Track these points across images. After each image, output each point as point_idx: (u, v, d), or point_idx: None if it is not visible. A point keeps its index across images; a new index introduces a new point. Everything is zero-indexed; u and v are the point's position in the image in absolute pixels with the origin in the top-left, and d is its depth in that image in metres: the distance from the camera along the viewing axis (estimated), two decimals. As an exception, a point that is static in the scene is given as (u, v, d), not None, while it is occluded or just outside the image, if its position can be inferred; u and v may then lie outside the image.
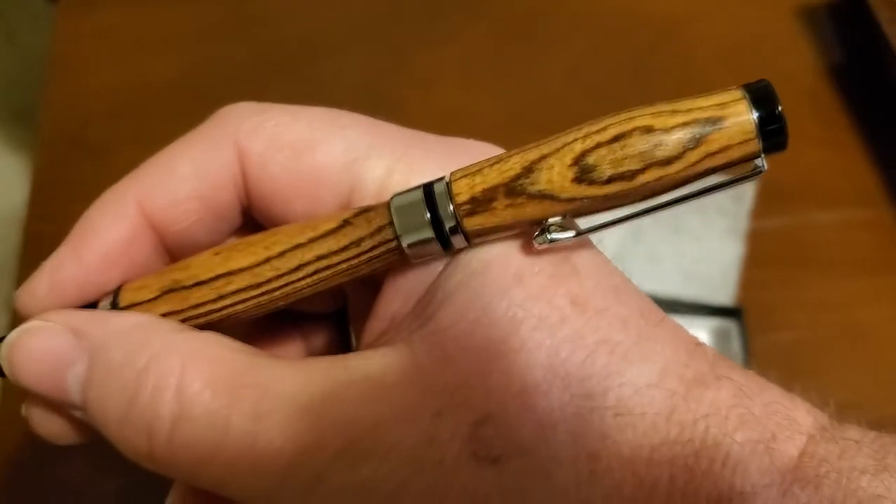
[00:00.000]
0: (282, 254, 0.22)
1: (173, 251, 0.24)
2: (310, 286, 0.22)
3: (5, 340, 0.22)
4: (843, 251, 0.47)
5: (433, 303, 0.21)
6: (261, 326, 0.27)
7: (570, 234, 0.20)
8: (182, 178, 0.24)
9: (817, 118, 0.52)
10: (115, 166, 0.51)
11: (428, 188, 0.21)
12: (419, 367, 0.20)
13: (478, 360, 0.19)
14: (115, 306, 0.23)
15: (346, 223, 0.21)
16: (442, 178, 0.21)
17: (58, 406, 0.23)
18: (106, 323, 0.22)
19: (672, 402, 0.19)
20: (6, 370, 0.22)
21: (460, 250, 0.21)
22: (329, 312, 0.28)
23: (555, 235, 0.20)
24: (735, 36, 0.55)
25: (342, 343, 0.28)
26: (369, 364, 0.20)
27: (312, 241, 0.22)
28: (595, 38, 0.55)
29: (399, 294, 0.22)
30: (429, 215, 0.20)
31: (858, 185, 0.49)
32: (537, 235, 0.20)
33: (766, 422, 0.19)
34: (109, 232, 0.24)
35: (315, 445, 0.19)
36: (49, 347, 0.22)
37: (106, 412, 0.21)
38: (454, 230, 0.20)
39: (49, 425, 0.24)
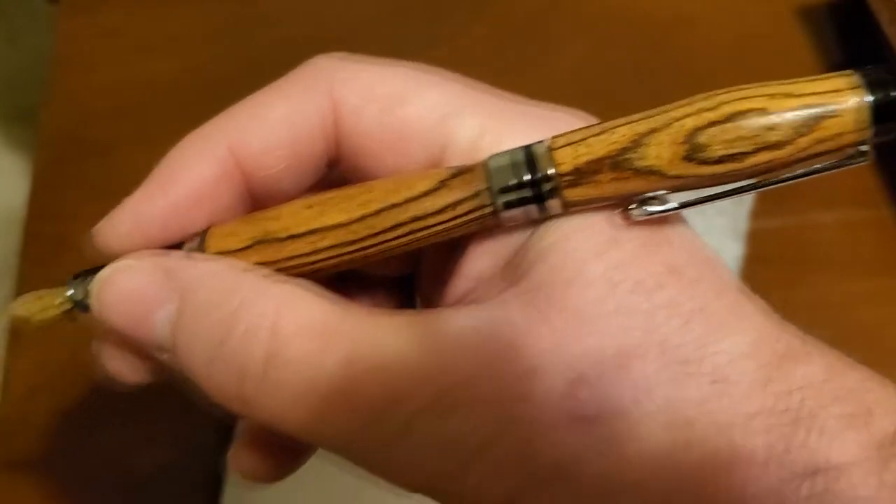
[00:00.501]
0: (377, 212, 0.21)
1: (256, 198, 0.24)
2: (402, 245, 0.22)
3: (97, 277, 0.22)
4: (843, 251, 0.47)
5: (524, 262, 0.21)
6: (325, 284, 0.27)
7: (668, 206, 0.20)
8: (275, 124, 0.23)
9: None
10: (117, 166, 0.51)
11: (528, 151, 0.21)
12: (513, 325, 0.19)
13: (573, 320, 0.19)
14: (201, 247, 0.23)
15: (442, 184, 0.21)
16: (542, 142, 0.21)
17: (136, 347, 0.22)
18: (197, 264, 0.22)
19: (766, 372, 0.19)
20: (94, 307, 0.22)
21: (554, 216, 0.21)
22: (395, 276, 0.28)
23: (652, 208, 0.20)
24: (735, 36, 0.55)
25: (406, 306, 0.28)
26: (461, 319, 0.20)
27: (409, 201, 0.21)
28: (596, 39, 0.55)
29: (486, 254, 0.22)
30: (528, 178, 0.20)
31: (858, 185, 0.49)
32: (634, 207, 0.20)
33: (861, 397, 0.19)
34: (198, 170, 0.23)
35: (406, 394, 0.19)
36: (140, 286, 0.22)
37: (195, 352, 0.21)
38: (552, 195, 0.20)
39: (120, 364, 0.24)
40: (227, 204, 0.24)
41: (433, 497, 0.21)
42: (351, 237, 0.22)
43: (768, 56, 0.54)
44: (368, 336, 0.20)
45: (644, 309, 0.19)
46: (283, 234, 0.22)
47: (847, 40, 0.54)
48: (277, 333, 0.20)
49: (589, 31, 0.55)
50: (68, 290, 0.24)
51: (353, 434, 0.20)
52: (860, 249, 0.47)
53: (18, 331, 0.25)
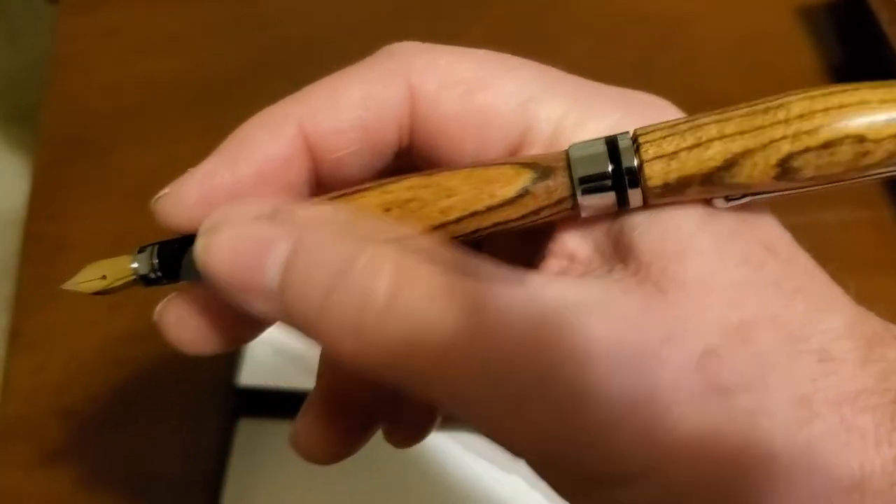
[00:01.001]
0: (458, 220, 0.21)
1: (320, 182, 0.24)
2: (479, 239, 0.22)
3: (203, 227, 0.21)
4: (844, 251, 0.47)
5: (623, 237, 0.20)
6: None
7: (750, 197, 0.20)
8: (348, 105, 0.23)
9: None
10: (117, 166, 0.51)
11: (614, 155, 0.20)
12: (632, 295, 0.19)
13: (693, 292, 0.19)
14: None
15: (525, 192, 0.21)
16: (627, 136, 0.20)
17: (239, 300, 0.21)
18: (310, 207, 0.21)
19: (862, 353, 0.19)
20: (199, 258, 0.21)
21: (634, 209, 0.20)
22: None
23: (732, 199, 0.20)
24: (736, 36, 0.55)
25: None
26: (580, 289, 0.20)
27: (490, 209, 0.21)
28: (597, 38, 0.55)
29: (577, 233, 0.21)
30: (613, 185, 0.20)
31: (858, 185, 0.49)
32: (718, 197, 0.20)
33: None
34: (268, 147, 0.23)
35: (533, 356, 0.19)
36: (251, 230, 0.21)
37: (309, 290, 0.20)
38: (635, 190, 0.20)
39: (187, 330, 0.23)
40: (292, 185, 0.23)
41: (546, 468, 0.20)
42: None
43: (768, 55, 0.54)
44: (499, 289, 0.19)
45: (754, 282, 0.19)
46: None
47: (847, 40, 0.54)
48: (401, 266, 0.19)
49: (589, 30, 0.55)
50: (132, 261, 0.24)
51: (478, 390, 0.19)
52: (860, 249, 0.47)
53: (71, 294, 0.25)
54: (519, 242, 0.24)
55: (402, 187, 0.21)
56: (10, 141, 1.13)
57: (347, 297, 0.19)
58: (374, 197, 0.22)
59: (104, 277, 0.24)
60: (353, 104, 0.23)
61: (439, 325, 0.19)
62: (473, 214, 0.21)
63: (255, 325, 0.25)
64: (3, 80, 1.19)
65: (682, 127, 0.20)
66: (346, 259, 0.19)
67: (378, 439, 0.41)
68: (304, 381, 0.43)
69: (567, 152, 0.21)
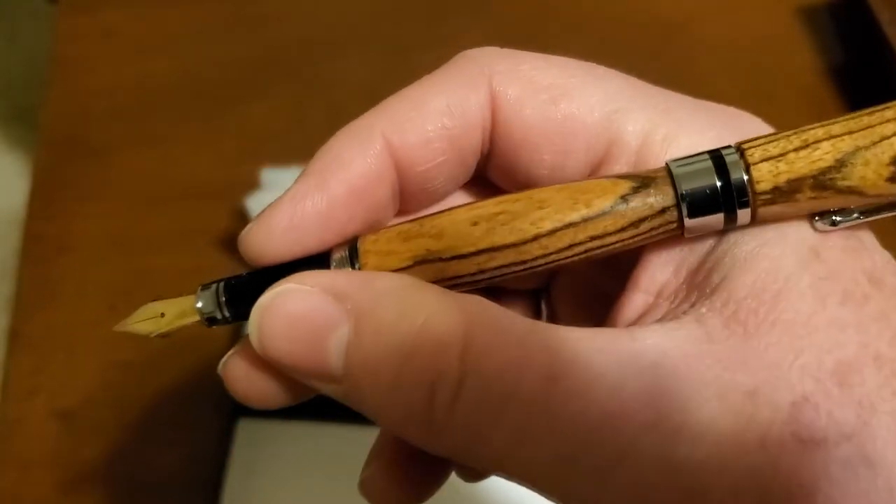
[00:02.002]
0: (552, 232, 0.20)
1: (407, 196, 0.23)
2: (575, 263, 0.20)
3: (257, 305, 0.20)
4: None
5: (716, 273, 0.19)
6: None
7: (852, 218, 0.19)
8: (433, 114, 0.22)
9: (817, 118, 0.52)
10: (116, 166, 0.51)
11: (719, 162, 0.19)
12: (719, 342, 0.18)
13: (786, 335, 0.18)
14: (352, 261, 0.21)
15: (623, 201, 0.20)
16: (731, 149, 0.19)
17: (301, 376, 0.21)
18: (370, 284, 0.20)
19: None
20: (255, 337, 0.20)
21: (740, 227, 0.20)
22: (527, 289, 0.26)
23: (839, 218, 0.19)
24: (736, 37, 0.55)
25: (530, 316, 0.26)
26: (660, 337, 0.19)
27: (587, 220, 0.20)
28: (596, 40, 0.55)
29: (667, 266, 0.21)
30: (720, 194, 0.19)
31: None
32: (819, 219, 0.19)
33: None
34: (356, 165, 0.22)
35: (620, 416, 0.18)
36: (309, 310, 0.20)
37: (375, 375, 0.19)
38: (743, 206, 0.19)
39: (255, 385, 0.22)
40: (381, 202, 0.22)
41: None
42: (522, 258, 0.20)
43: (769, 56, 0.54)
44: (566, 352, 0.18)
45: (855, 321, 0.18)
46: (448, 255, 0.20)
47: (847, 40, 0.54)
48: (469, 348, 0.18)
49: (589, 31, 0.55)
50: (197, 301, 0.22)
51: (562, 460, 0.18)
52: None
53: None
54: (596, 278, 0.23)
55: (491, 203, 0.21)
56: (10, 141, 1.13)
57: (413, 388, 0.18)
58: (462, 213, 0.21)
59: (162, 316, 0.22)
60: (438, 113, 0.22)
61: (513, 405, 0.18)
62: (568, 226, 0.20)
63: None
64: (3, 80, 1.19)
65: (786, 133, 0.19)
66: (410, 345, 0.19)
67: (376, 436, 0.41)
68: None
69: (667, 167, 0.20)
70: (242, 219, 0.46)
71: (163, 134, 0.53)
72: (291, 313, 0.20)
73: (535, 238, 0.20)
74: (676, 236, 0.20)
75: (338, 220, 0.21)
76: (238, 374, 0.22)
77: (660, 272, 0.21)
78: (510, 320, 0.19)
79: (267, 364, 0.21)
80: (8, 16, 1.23)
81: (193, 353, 0.44)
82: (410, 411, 0.19)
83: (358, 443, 0.41)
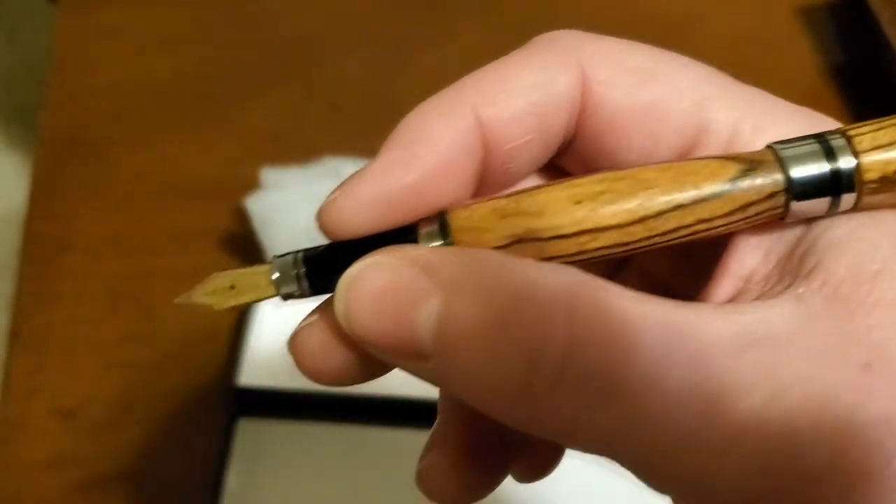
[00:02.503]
0: (659, 214, 0.19)
1: (486, 175, 0.22)
2: (673, 245, 0.20)
3: (344, 277, 0.19)
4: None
5: (811, 256, 0.19)
6: None
7: None
8: (523, 90, 0.21)
9: (818, 118, 0.52)
10: (116, 166, 0.51)
11: (826, 147, 0.19)
12: (824, 320, 0.18)
13: (887, 315, 0.18)
14: (443, 237, 0.20)
15: (732, 184, 0.19)
16: (836, 135, 0.19)
17: (386, 353, 0.20)
18: (459, 256, 0.19)
19: None
20: (341, 311, 0.19)
21: (840, 212, 0.19)
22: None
23: None
24: (736, 36, 0.55)
25: None
26: (765, 312, 0.18)
27: (696, 202, 0.19)
28: (596, 38, 0.55)
29: (757, 251, 0.20)
30: (829, 180, 0.19)
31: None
32: None
33: None
34: (447, 138, 0.20)
35: (742, 387, 0.17)
36: (398, 282, 0.19)
37: (469, 347, 0.18)
38: (848, 191, 0.19)
39: (330, 361, 0.20)
40: (467, 179, 0.21)
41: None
42: (626, 239, 0.19)
43: (769, 56, 0.54)
44: (681, 325, 0.18)
45: None
46: (548, 234, 0.19)
47: (848, 40, 0.54)
48: (577, 317, 0.17)
49: (589, 29, 0.55)
50: (272, 272, 0.20)
51: (677, 437, 0.17)
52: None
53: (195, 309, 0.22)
54: (679, 264, 0.23)
55: (593, 181, 0.20)
56: (9, 140, 1.13)
57: (512, 359, 0.17)
58: (561, 190, 0.20)
59: (232, 288, 0.21)
60: (528, 89, 0.21)
61: (622, 377, 0.17)
62: (677, 208, 0.19)
63: None
64: (2, 79, 1.19)
65: (890, 121, 0.19)
66: (508, 315, 0.17)
67: (380, 439, 0.41)
68: (304, 381, 0.43)
69: (773, 151, 0.19)
70: (242, 219, 0.46)
71: (163, 134, 0.53)
72: (380, 286, 0.19)
73: (642, 220, 0.19)
74: (771, 221, 0.20)
75: (427, 194, 0.20)
76: (310, 348, 0.21)
77: (749, 257, 0.20)
78: (617, 289, 0.18)
79: (344, 338, 0.20)
80: (7, 14, 1.23)
81: (194, 353, 0.44)
82: (510, 384, 0.18)
83: (358, 443, 0.41)
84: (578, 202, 0.19)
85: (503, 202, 0.20)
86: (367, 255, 0.19)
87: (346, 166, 0.47)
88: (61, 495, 0.41)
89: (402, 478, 0.40)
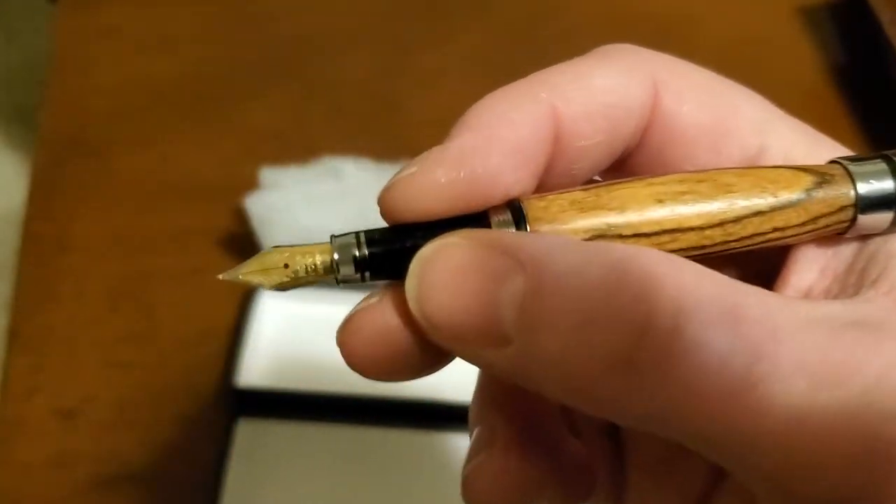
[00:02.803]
0: (738, 219, 0.19)
1: (552, 172, 0.21)
2: (744, 252, 0.20)
3: (418, 257, 0.18)
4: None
5: (872, 268, 0.19)
6: None
7: None
8: (599, 90, 0.20)
9: (817, 118, 0.51)
10: (116, 166, 0.51)
11: (890, 163, 0.19)
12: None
13: None
14: (518, 228, 0.19)
15: (808, 195, 0.19)
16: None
17: (406, 331, 0.19)
18: (539, 237, 0.18)
19: None
20: (414, 293, 0.18)
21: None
22: None
23: None
24: (736, 36, 0.55)
25: None
26: (848, 306, 0.18)
27: (773, 210, 0.19)
28: (597, 38, 0.54)
29: (815, 265, 0.20)
30: (894, 194, 0.19)
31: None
32: None
33: None
34: (526, 126, 0.20)
35: (849, 366, 0.16)
36: (478, 259, 0.18)
37: (559, 324, 0.17)
38: None
39: (389, 350, 0.19)
40: (537, 171, 0.20)
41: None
42: (704, 242, 0.19)
43: (769, 56, 0.54)
44: (778, 311, 0.17)
45: None
46: (629, 232, 0.19)
47: (848, 40, 0.54)
48: (680, 290, 0.16)
49: (589, 30, 0.55)
50: (333, 251, 0.19)
51: (787, 422, 0.16)
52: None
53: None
54: (742, 275, 0.23)
55: (673, 180, 0.19)
56: (9, 140, 1.13)
57: (610, 330, 0.16)
58: (642, 188, 0.19)
59: (286, 267, 0.19)
60: (604, 90, 0.21)
61: (723, 367, 0.16)
62: (756, 214, 0.19)
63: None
64: (2, 79, 1.18)
65: None
66: (601, 290, 0.16)
67: (378, 439, 0.41)
68: (302, 382, 0.43)
69: (842, 166, 0.20)
70: (242, 219, 0.46)
71: (163, 134, 0.52)
72: (458, 264, 0.18)
73: (721, 224, 0.19)
74: (828, 237, 0.20)
75: (504, 181, 0.19)
76: (366, 334, 0.19)
77: (808, 272, 0.21)
78: (709, 273, 0.17)
79: (407, 324, 0.19)
80: (7, 14, 1.23)
81: (194, 353, 0.44)
82: (608, 361, 0.16)
83: (357, 443, 0.41)
84: (660, 201, 0.19)
85: (581, 195, 0.19)
86: (439, 237, 0.18)
87: (346, 166, 0.47)
88: (61, 495, 0.41)
89: (401, 478, 0.40)
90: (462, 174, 0.19)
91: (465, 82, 0.54)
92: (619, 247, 0.17)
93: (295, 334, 0.44)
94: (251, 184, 0.47)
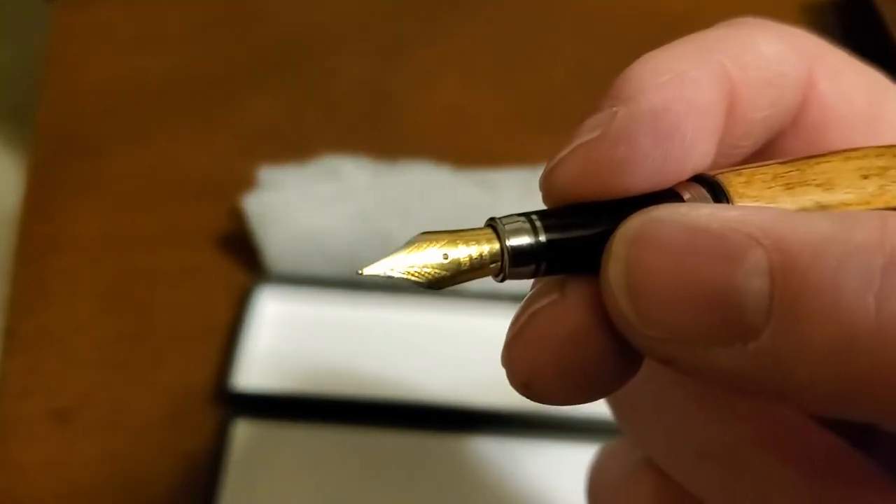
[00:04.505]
0: None
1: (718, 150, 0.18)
2: None
3: (620, 235, 0.15)
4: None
5: None
6: None
7: None
8: (770, 59, 0.18)
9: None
10: (111, 165, 0.51)
11: None
12: None
13: None
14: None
15: None
16: None
17: (601, 335, 0.15)
18: (764, 209, 0.15)
19: None
20: (622, 277, 0.15)
21: None
22: None
23: None
24: (738, 34, 0.55)
25: None
26: None
27: None
28: (598, 34, 0.54)
29: None
30: None
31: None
32: None
33: None
34: (710, 89, 0.17)
35: None
36: (704, 234, 0.14)
37: (836, 297, 0.13)
38: None
39: (568, 361, 0.16)
40: (715, 142, 0.17)
41: None
42: None
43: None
44: None
45: None
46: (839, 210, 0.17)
47: (851, 38, 0.54)
48: None
49: (589, 25, 0.55)
50: (508, 237, 0.16)
51: None
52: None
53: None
54: None
55: (871, 153, 0.17)
56: (4, 139, 1.13)
57: None
58: (840, 162, 0.17)
59: (445, 258, 0.16)
60: (774, 59, 0.18)
61: None
62: None
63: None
64: (-2, 78, 1.18)
65: None
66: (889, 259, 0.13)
67: (375, 441, 0.41)
68: (300, 383, 0.42)
69: None
70: (239, 218, 0.46)
71: (159, 132, 0.52)
72: (680, 240, 0.14)
73: None
74: None
75: (697, 151, 0.16)
76: (553, 343, 0.16)
77: None
78: None
79: (602, 327, 0.15)
80: (2, 13, 1.23)
81: (190, 353, 0.44)
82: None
83: (355, 445, 0.41)
84: (865, 176, 0.17)
85: (782, 169, 0.17)
86: (639, 213, 0.15)
87: (345, 166, 0.47)
88: (56, 496, 0.41)
89: (400, 480, 0.40)
90: (656, 141, 0.16)
91: (466, 78, 0.54)
92: (866, 212, 0.14)
93: (293, 335, 0.43)
94: (248, 182, 0.47)
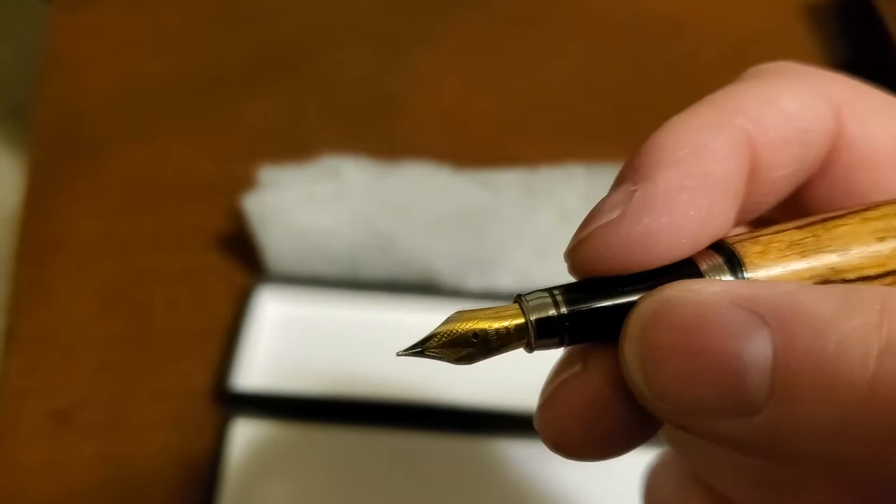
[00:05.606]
0: None
1: (740, 209, 0.19)
2: None
3: (636, 315, 0.16)
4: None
5: None
6: None
7: None
8: (792, 115, 0.18)
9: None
10: (111, 165, 0.51)
11: None
12: None
13: None
14: (734, 275, 0.17)
15: None
16: None
17: (620, 403, 0.17)
18: (774, 284, 0.16)
19: None
20: (636, 356, 0.16)
21: None
22: None
23: None
24: (740, 34, 0.54)
25: None
26: None
27: None
28: (598, 36, 0.54)
29: None
30: None
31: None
32: None
33: None
34: (729, 160, 0.17)
35: None
36: (712, 315, 0.15)
37: (827, 384, 0.14)
38: None
39: (591, 427, 0.17)
40: (736, 211, 0.18)
41: None
42: None
43: (773, 55, 0.54)
44: None
45: None
46: (854, 276, 0.17)
47: (852, 39, 0.54)
48: None
49: (589, 30, 0.55)
50: (530, 314, 0.17)
51: None
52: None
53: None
54: None
55: (889, 213, 0.18)
56: (3, 140, 1.12)
57: None
58: (856, 225, 0.17)
59: (475, 338, 0.17)
60: (797, 114, 0.18)
61: None
62: None
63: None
64: (-3, 78, 1.18)
65: None
66: (883, 335, 0.14)
67: (374, 441, 0.41)
68: (299, 383, 0.42)
69: None
70: (239, 219, 0.46)
71: (158, 132, 0.52)
72: (690, 322, 0.15)
73: None
74: None
75: (714, 223, 0.17)
76: (576, 411, 0.17)
77: None
78: None
79: (621, 396, 0.17)
80: (1, 13, 1.23)
81: (190, 354, 0.44)
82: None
83: (354, 445, 0.41)
84: (882, 239, 0.17)
85: (798, 235, 0.18)
86: (653, 293, 0.16)
87: (345, 166, 0.46)
88: (55, 497, 0.41)
89: (399, 481, 0.40)
90: (673, 219, 0.17)
91: (465, 80, 0.54)
92: (870, 289, 0.15)
93: (293, 335, 0.43)
94: (247, 183, 0.47)
